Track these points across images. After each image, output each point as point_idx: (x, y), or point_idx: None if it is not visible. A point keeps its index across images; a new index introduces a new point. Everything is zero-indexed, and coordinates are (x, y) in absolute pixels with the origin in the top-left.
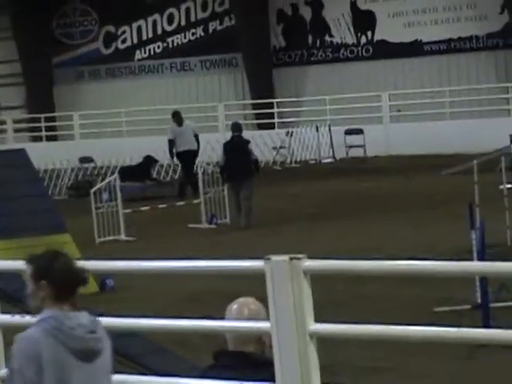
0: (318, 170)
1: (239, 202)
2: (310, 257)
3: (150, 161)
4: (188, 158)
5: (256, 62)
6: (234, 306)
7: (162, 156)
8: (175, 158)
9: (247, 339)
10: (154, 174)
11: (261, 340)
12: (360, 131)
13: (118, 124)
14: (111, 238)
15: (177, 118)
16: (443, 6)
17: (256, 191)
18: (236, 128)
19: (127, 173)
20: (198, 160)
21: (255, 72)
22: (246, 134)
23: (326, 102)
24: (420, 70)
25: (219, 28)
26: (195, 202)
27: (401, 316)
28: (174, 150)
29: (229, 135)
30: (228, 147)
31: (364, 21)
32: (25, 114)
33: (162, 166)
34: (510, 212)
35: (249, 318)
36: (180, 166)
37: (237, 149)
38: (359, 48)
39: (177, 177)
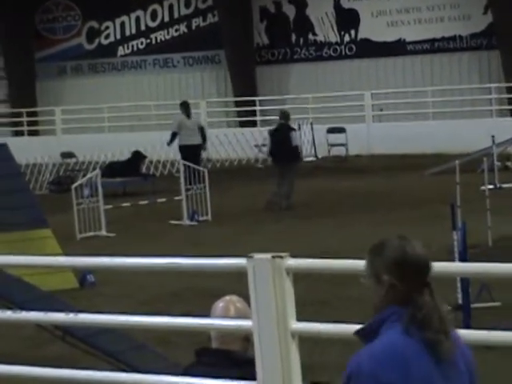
0: (299, 169)
1: (281, 185)
2: (292, 255)
3: (138, 156)
4: (190, 152)
5: (239, 60)
6: (220, 304)
7: (145, 152)
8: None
9: (232, 337)
10: (143, 169)
11: (247, 338)
12: (342, 130)
13: (100, 119)
14: (92, 233)
15: (186, 109)
16: (427, 5)
17: (238, 190)
18: (283, 116)
19: (115, 168)
20: (204, 154)
21: (238, 69)
22: (228, 131)
23: (308, 101)
24: (403, 70)
25: (202, 24)
26: (176, 198)
27: None
28: (177, 143)
29: (212, 132)
30: (273, 134)
31: (347, 19)
32: (7, 108)
33: (151, 161)
34: (491, 213)
35: (234, 317)
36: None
37: (280, 135)
38: (342, 46)
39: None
